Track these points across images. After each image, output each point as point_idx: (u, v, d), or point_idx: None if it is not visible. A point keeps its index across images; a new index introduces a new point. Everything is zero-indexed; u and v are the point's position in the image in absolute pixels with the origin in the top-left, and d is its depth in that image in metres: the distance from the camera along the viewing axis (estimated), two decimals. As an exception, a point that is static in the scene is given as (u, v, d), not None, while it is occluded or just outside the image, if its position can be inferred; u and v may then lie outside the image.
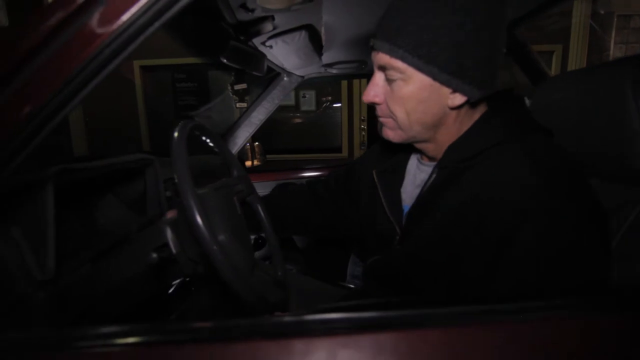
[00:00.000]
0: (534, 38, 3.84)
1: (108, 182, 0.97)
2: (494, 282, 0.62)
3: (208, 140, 0.87)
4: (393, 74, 0.68)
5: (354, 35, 1.29)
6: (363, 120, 3.93)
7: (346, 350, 0.41)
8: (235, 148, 1.77)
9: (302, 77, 1.73)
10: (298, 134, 4.32)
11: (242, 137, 1.78)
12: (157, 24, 0.48)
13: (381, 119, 0.76)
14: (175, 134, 0.69)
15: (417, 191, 0.79)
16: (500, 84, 0.71)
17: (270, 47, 1.31)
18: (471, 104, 0.71)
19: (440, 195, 0.72)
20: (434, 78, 0.65)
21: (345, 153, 4.06)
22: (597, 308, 0.44)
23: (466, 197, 0.67)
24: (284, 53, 1.41)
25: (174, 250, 0.78)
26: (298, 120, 4.37)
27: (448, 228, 0.69)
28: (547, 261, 0.59)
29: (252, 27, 1.11)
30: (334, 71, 1.70)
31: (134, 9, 0.45)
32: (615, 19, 3.72)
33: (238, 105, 1.39)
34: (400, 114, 0.70)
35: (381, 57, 0.68)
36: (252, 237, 1.52)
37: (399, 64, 0.66)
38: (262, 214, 0.96)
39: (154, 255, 0.71)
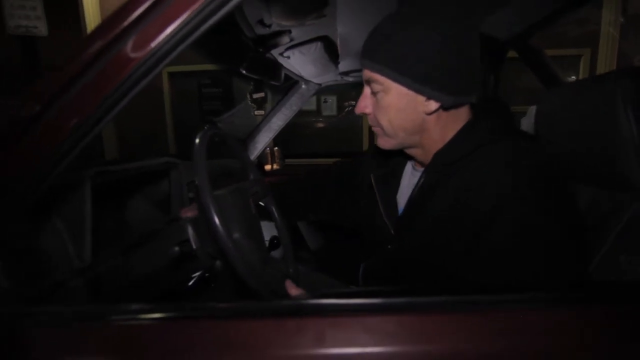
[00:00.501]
0: (561, 41, 3.79)
1: (137, 183, 1.08)
2: (469, 274, 0.68)
3: (227, 145, 0.96)
4: (376, 87, 0.77)
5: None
6: (384, 126, 3.95)
7: (336, 329, 0.48)
8: (255, 152, 1.87)
9: (320, 84, 1.81)
10: (319, 138, 4.40)
11: (262, 142, 1.87)
12: (181, 47, 0.57)
13: (373, 128, 0.84)
14: (197, 140, 0.78)
15: (409, 196, 0.86)
16: (480, 89, 0.77)
17: (288, 57, 1.40)
18: (452, 110, 0.77)
19: (428, 199, 0.78)
20: (408, 87, 0.74)
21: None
22: (565, 301, 0.50)
23: (450, 200, 0.73)
24: (301, 63, 1.49)
25: (194, 246, 0.87)
26: (320, 125, 4.45)
27: (435, 230, 0.75)
28: (516, 256, 0.65)
29: (270, 40, 1.19)
30: (350, 79, 1.77)
31: (161, 37, 0.54)
32: (647, 22, 3.63)
33: (256, 113, 1.48)
34: (384, 122, 0.79)
35: (365, 73, 0.78)
36: (267, 238, 1.60)
37: (378, 77, 0.75)
38: (276, 215, 1.04)
39: (176, 248, 0.80)
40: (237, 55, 1.17)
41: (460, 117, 0.80)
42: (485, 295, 0.51)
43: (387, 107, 0.78)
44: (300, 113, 1.91)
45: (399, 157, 0.90)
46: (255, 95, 1.40)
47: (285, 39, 1.23)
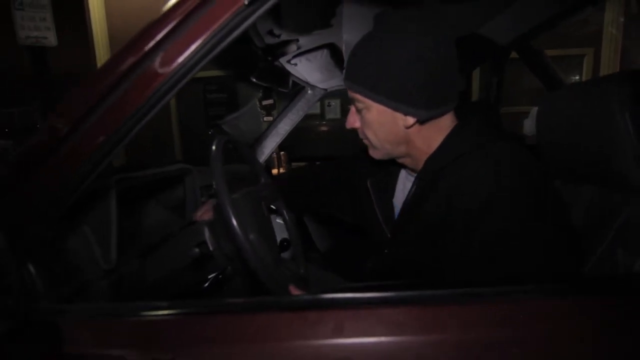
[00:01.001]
0: (564, 41, 3.82)
1: (153, 188, 1.13)
2: (463, 273, 0.72)
3: (239, 151, 1.01)
4: (359, 105, 0.83)
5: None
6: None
7: (353, 320, 0.52)
8: (262, 157, 1.91)
9: (325, 89, 1.86)
10: (324, 142, 4.45)
11: (269, 146, 1.92)
12: (203, 62, 0.62)
13: (363, 141, 0.90)
14: (213, 148, 0.82)
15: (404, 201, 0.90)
16: (457, 98, 0.81)
17: (295, 64, 1.45)
18: (432, 120, 0.81)
19: (421, 204, 0.83)
20: (385, 105, 0.79)
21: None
22: (561, 292, 0.54)
23: (442, 204, 0.77)
24: (308, 69, 1.54)
25: (211, 247, 0.92)
26: (323, 129, 4.50)
27: (429, 233, 0.80)
28: (506, 253, 0.69)
29: (279, 49, 1.24)
30: (356, 84, 1.82)
31: (186, 53, 0.59)
32: (650, 21, 3.65)
33: (265, 119, 1.53)
34: (370, 135, 0.85)
35: (349, 92, 0.84)
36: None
37: (359, 96, 0.82)
38: (286, 217, 1.09)
39: (196, 250, 0.85)
40: (247, 64, 1.22)
41: (443, 125, 0.84)
42: (487, 287, 0.56)
43: (370, 123, 0.84)
44: (305, 117, 1.97)
45: (393, 162, 0.94)
46: (264, 102, 1.45)
47: (293, 48, 1.28)
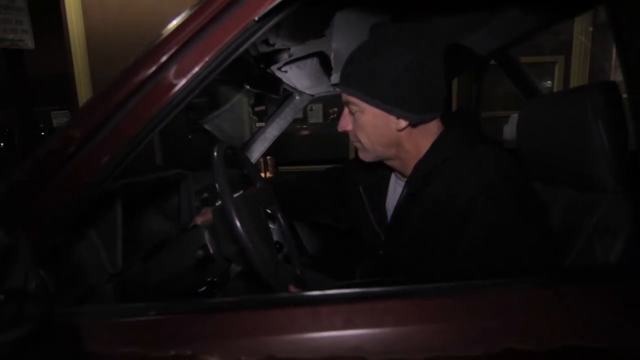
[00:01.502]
0: (537, 49, 4.01)
1: (148, 193, 1.15)
2: (451, 267, 0.79)
3: (237, 157, 1.04)
4: (352, 108, 0.88)
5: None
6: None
7: (360, 313, 0.57)
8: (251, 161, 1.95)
9: (313, 95, 1.91)
10: (306, 145, 4.50)
11: (257, 151, 1.96)
12: (215, 73, 0.66)
13: (354, 143, 0.95)
14: (215, 154, 0.86)
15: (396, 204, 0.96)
16: (444, 105, 0.88)
17: (286, 71, 1.49)
18: (422, 125, 0.87)
19: (412, 206, 0.88)
20: (380, 108, 0.84)
21: (352, 164, 4.22)
22: (545, 283, 0.60)
23: (430, 206, 0.83)
24: (297, 76, 1.59)
25: (211, 250, 0.95)
26: (305, 133, 4.55)
27: (420, 235, 0.85)
28: (489, 251, 0.74)
29: (272, 57, 1.29)
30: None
31: (200, 64, 0.63)
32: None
33: (257, 124, 1.57)
34: (363, 138, 0.90)
35: (343, 96, 0.89)
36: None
37: (353, 99, 0.86)
38: (281, 221, 1.13)
39: (200, 252, 0.88)
40: (240, 72, 1.26)
41: (430, 130, 0.90)
42: (476, 280, 0.62)
43: (363, 126, 0.88)
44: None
45: (383, 167, 1.00)
46: (257, 109, 1.49)
47: (285, 56, 1.33)
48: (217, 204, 1.31)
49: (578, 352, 0.55)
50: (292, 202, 1.32)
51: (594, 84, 0.89)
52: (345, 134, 0.95)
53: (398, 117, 0.84)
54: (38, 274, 0.56)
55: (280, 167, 2.21)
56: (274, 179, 2.04)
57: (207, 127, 1.81)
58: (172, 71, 0.63)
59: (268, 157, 2.12)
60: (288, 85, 1.71)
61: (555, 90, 4.15)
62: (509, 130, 1.60)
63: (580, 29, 3.97)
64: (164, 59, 0.63)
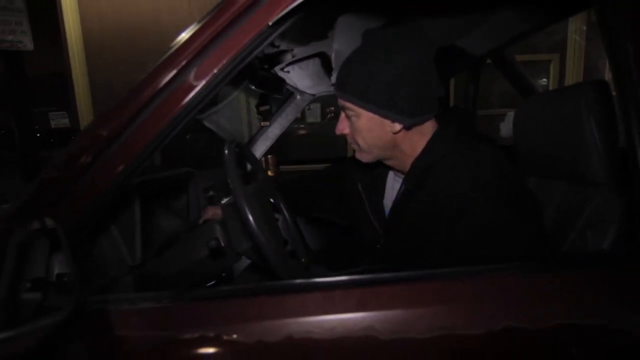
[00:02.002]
0: (533, 48, 4.09)
1: (160, 190, 1.20)
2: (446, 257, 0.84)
3: (243, 152, 1.09)
4: (349, 112, 0.92)
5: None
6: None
7: (371, 297, 0.62)
8: (254, 160, 1.99)
9: (314, 95, 1.96)
10: (304, 145, 4.55)
11: (259, 150, 2.00)
12: (232, 75, 0.71)
13: (352, 145, 0.99)
14: (226, 151, 0.91)
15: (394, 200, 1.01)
16: (437, 106, 0.92)
17: (288, 72, 1.55)
18: (417, 126, 0.92)
19: (409, 202, 0.92)
20: (374, 112, 0.88)
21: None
22: (537, 268, 0.66)
23: (426, 202, 0.87)
24: (299, 76, 1.64)
25: (222, 243, 1.00)
26: (303, 132, 4.61)
27: (417, 228, 0.89)
28: (482, 243, 0.79)
29: (276, 58, 1.34)
30: (343, 89, 1.93)
31: (219, 66, 0.68)
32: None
33: (262, 123, 1.62)
34: (360, 140, 0.94)
35: (340, 101, 0.93)
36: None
37: (349, 105, 0.90)
38: (285, 212, 1.17)
39: (213, 242, 0.93)
40: (246, 73, 1.31)
41: (425, 129, 0.94)
42: (478, 266, 0.67)
43: (360, 129, 0.92)
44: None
45: (381, 165, 1.04)
46: (261, 108, 1.54)
47: (288, 57, 1.38)
48: (223, 201, 1.36)
49: (570, 330, 0.61)
50: (294, 202, 1.37)
51: (586, 83, 0.95)
52: (343, 135, 0.99)
53: (392, 121, 0.88)
54: (74, 263, 0.60)
55: (281, 167, 2.25)
56: (275, 178, 2.08)
57: (209, 126, 1.84)
58: (192, 74, 0.68)
59: (269, 156, 2.16)
60: (290, 85, 1.75)
61: (551, 88, 4.23)
62: (506, 128, 1.66)
63: (575, 28, 4.05)
64: (184, 62, 0.68)
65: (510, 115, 1.36)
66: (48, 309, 0.61)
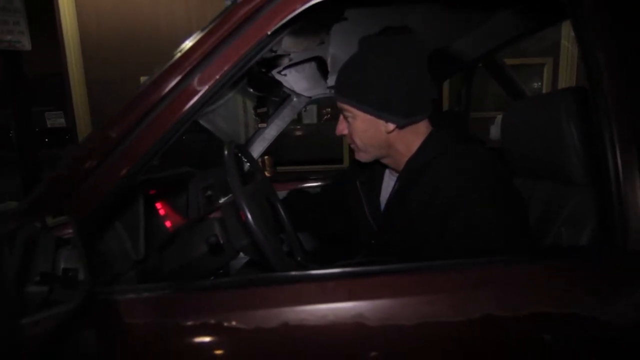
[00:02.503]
0: (527, 51, 4.17)
1: (160, 189, 1.25)
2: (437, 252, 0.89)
3: (242, 153, 1.15)
4: (346, 114, 0.99)
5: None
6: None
7: (360, 287, 0.68)
8: (251, 161, 2.04)
9: (310, 97, 2.02)
10: (301, 146, 4.61)
11: (256, 151, 2.05)
12: (232, 80, 0.76)
13: (350, 145, 1.06)
14: (226, 152, 0.96)
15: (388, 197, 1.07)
16: (430, 107, 0.98)
17: (285, 75, 1.60)
18: (410, 126, 0.97)
19: (403, 198, 0.98)
20: (369, 114, 0.95)
21: (346, 164, 4.34)
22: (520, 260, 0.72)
23: (419, 199, 0.93)
24: (296, 79, 1.69)
25: (221, 240, 1.05)
26: (300, 133, 4.67)
27: (410, 223, 0.95)
28: (470, 235, 0.84)
29: (273, 62, 1.39)
30: (338, 92, 1.99)
31: (220, 73, 0.73)
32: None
33: (260, 125, 1.67)
34: (357, 140, 1.01)
35: (338, 104, 1.00)
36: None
37: (346, 106, 0.97)
38: (280, 210, 1.23)
39: (213, 238, 0.98)
40: (244, 76, 1.36)
41: (419, 130, 0.99)
42: (468, 258, 0.73)
43: (356, 129, 0.99)
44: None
45: (378, 164, 1.10)
46: (259, 110, 1.60)
47: (285, 61, 1.43)
48: (222, 200, 1.41)
49: (544, 317, 0.67)
50: (304, 221, 1.41)
51: (566, 89, 1.01)
52: (341, 136, 1.06)
53: (386, 121, 0.95)
54: (84, 256, 0.66)
55: (278, 168, 2.31)
56: (272, 179, 2.13)
57: (207, 126, 1.88)
58: (195, 80, 0.73)
59: (266, 157, 2.22)
60: (287, 87, 1.81)
61: (544, 91, 4.31)
62: (495, 131, 1.72)
63: (567, 32, 4.14)
64: (188, 68, 0.73)
65: (500, 118, 1.42)
66: (55, 301, 0.65)
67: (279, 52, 1.30)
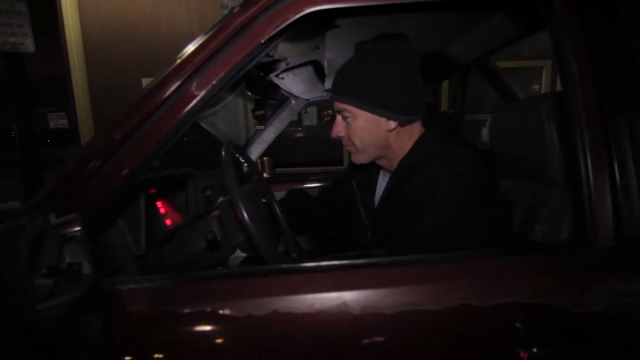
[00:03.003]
0: (525, 54, 4.22)
1: (160, 188, 1.31)
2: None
3: (240, 154, 1.21)
4: (346, 114, 1.03)
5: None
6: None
7: (345, 279, 0.74)
8: (249, 162, 2.10)
9: (308, 100, 2.08)
10: (301, 147, 4.68)
11: (255, 152, 2.11)
12: (228, 85, 0.82)
13: (347, 148, 1.10)
14: (223, 153, 1.01)
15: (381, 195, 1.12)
16: (425, 108, 1.03)
17: (283, 78, 1.66)
18: (407, 125, 1.03)
19: (394, 196, 1.04)
20: (371, 112, 1.00)
21: (345, 165, 4.39)
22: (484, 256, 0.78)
23: (407, 196, 0.98)
24: (293, 82, 1.75)
25: (218, 237, 1.11)
26: (300, 135, 4.73)
27: (398, 220, 1.00)
28: (445, 232, 0.89)
29: (270, 66, 1.45)
30: (335, 95, 2.05)
31: (217, 78, 0.79)
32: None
33: (257, 127, 1.73)
34: (357, 141, 1.04)
35: (336, 104, 1.04)
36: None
37: (346, 107, 1.01)
38: (276, 209, 1.29)
39: (210, 235, 1.04)
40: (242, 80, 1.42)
41: (414, 131, 1.05)
42: (447, 253, 0.79)
43: (357, 129, 1.03)
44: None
45: (374, 165, 1.16)
46: (257, 113, 1.66)
47: (282, 65, 1.49)
48: (220, 200, 1.47)
49: (515, 307, 0.73)
50: (304, 224, 1.46)
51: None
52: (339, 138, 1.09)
53: (388, 119, 1.00)
54: (89, 251, 0.71)
55: (277, 169, 2.37)
56: (271, 180, 2.18)
57: (208, 128, 1.95)
58: (194, 84, 0.79)
59: (265, 158, 2.27)
60: (285, 90, 1.87)
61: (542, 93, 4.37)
62: (486, 133, 1.77)
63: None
64: (187, 74, 0.79)
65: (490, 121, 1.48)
66: (61, 291, 0.71)
67: (276, 57, 1.36)
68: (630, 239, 0.77)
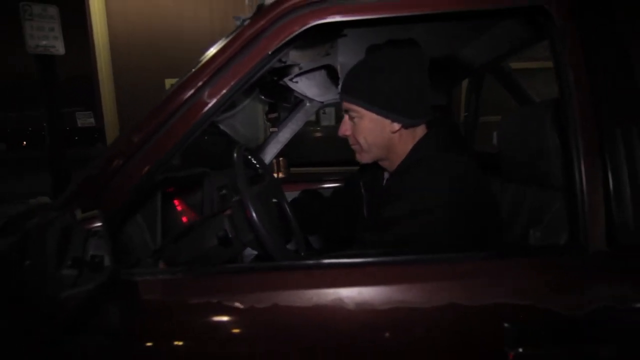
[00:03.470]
0: (541, 56, 4.15)
1: (177, 187, 1.39)
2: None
3: (252, 156, 1.27)
4: (353, 114, 1.09)
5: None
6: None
7: (342, 276, 0.79)
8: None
9: (322, 102, 2.13)
10: (318, 147, 4.74)
11: (270, 153, 2.18)
12: (237, 93, 0.88)
13: (352, 147, 1.15)
14: (235, 155, 1.08)
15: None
16: (430, 112, 1.07)
17: (297, 82, 1.72)
18: (410, 128, 1.07)
19: (389, 194, 1.07)
20: (377, 114, 1.05)
21: (362, 166, 4.42)
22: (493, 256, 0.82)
23: (397, 197, 1.01)
24: (307, 86, 1.81)
25: (229, 235, 1.17)
26: (318, 135, 4.79)
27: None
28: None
29: (284, 71, 1.52)
30: (349, 97, 2.10)
31: (228, 87, 0.86)
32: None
33: (271, 129, 1.80)
34: (362, 140, 1.10)
35: (344, 104, 1.10)
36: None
37: (353, 107, 1.07)
38: (287, 209, 1.35)
39: (221, 232, 1.10)
40: (256, 84, 1.49)
41: (416, 133, 1.09)
42: (440, 254, 0.83)
43: (362, 129, 1.09)
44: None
45: (379, 167, 1.21)
46: (270, 116, 1.73)
47: (295, 70, 1.55)
48: (234, 199, 1.55)
49: (504, 307, 0.76)
50: (317, 224, 1.53)
51: (551, 100, 1.09)
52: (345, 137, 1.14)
53: (392, 121, 1.05)
54: (110, 245, 0.79)
55: (292, 168, 2.43)
56: (285, 180, 2.25)
57: (226, 130, 2.03)
58: (206, 93, 0.86)
59: (281, 159, 2.34)
60: (299, 93, 1.93)
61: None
62: (496, 137, 1.79)
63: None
64: (200, 83, 0.86)
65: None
66: (84, 281, 0.79)
67: (288, 62, 1.42)
68: (622, 245, 0.79)
